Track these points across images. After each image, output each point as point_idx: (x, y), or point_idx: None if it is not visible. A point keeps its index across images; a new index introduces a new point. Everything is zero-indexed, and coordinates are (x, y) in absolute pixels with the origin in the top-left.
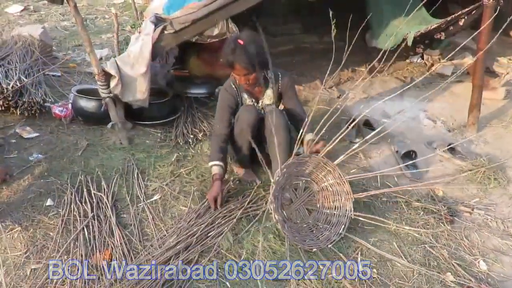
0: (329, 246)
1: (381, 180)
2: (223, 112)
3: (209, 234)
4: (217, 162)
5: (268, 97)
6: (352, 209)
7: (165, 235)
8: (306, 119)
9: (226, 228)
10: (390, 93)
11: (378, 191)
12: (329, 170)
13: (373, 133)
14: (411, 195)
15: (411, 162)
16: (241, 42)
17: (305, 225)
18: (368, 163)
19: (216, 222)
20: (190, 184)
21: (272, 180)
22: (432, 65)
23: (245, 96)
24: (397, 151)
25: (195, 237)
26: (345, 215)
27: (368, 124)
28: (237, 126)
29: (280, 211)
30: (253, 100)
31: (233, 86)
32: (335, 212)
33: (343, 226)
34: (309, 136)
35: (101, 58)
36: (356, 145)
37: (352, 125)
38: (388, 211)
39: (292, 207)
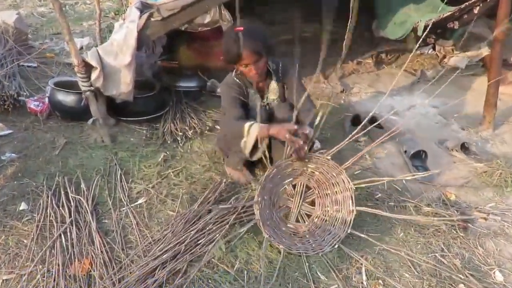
0: (320, 254)
1: (388, 183)
2: (233, 99)
3: (199, 242)
4: (252, 122)
5: (273, 90)
6: (351, 223)
7: (151, 242)
8: (312, 110)
9: (218, 235)
10: (399, 87)
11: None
12: (333, 175)
13: (383, 136)
14: (421, 199)
15: (421, 163)
16: (240, 29)
17: (316, 219)
18: (374, 164)
19: (207, 229)
20: (179, 187)
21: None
22: (445, 57)
23: (251, 91)
24: (405, 151)
25: (183, 245)
26: (343, 228)
27: (374, 122)
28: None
29: (267, 212)
30: (259, 96)
31: (238, 80)
32: (335, 221)
33: (338, 238)
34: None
35: (81, 48)
36: (363, 150)
37: (359, 125)
38: (394, 219)
39: (294, 211)
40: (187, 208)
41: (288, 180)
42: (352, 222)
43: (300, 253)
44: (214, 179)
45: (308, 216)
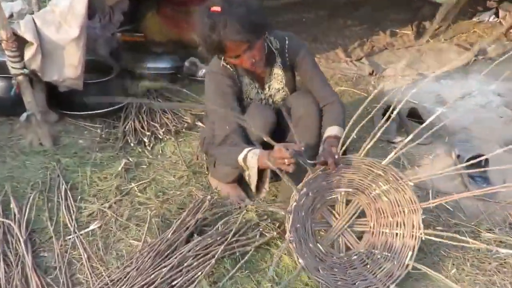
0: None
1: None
2: (225, 100)
3: (174, 283)
4: (250, 148)
5: (277, 78)
6: (422, 225)
7: (107, 284)
8: (339, 104)
9: (200, 273)
10: (449, 68)
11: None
12: (378, 174)
13: (421, 129)
14: (480, 222)
15: (479, 171)
16: (217, 9)
17: (355, 257)
18: (415, 174)
19: (185, 264)
20: (146, 207)
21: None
22: None
23: (247, 80)
24: (458, 156)
25: (152, 287)
26: (413, 235)
27: (415, 116)
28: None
29: (309, 248)
30: (257, 86)
31: (228, 66)
32: (397, 231)
33: (410, 252)
34: (332, 131)
35: (11, 15)
36: (400, 149)
37: (389, 116)
38: (444, 247)
39: (331, 234)
40: (157, 236)
41: (344, 190)
42: (421, 225)
43: None
44: (195, 196)
45: (346, 246)
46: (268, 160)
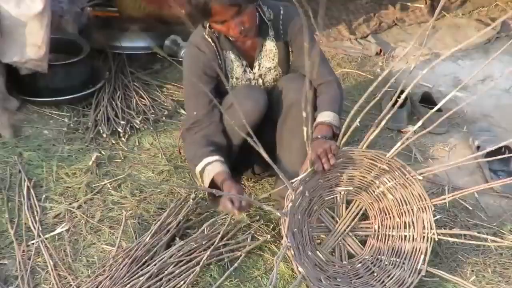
0: None
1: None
2: (199, 89)
3: None
4: (210, 159)
5: (269, 54)
6: (434, 224)
7: None
8: (338, 86)
9: (183, 282)
10: (467, 47)
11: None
12: (383, 168)
13: (435, 116)
14: (503, 222)
15: (502, 165)
16: None
17: (359, 264)
18: (430, 167)
19: (166, 272)
20: (120, 206)
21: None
22: None
23: (232, 56)
24: (478, 147)
25: None
26: (424, 236)
27: (428, 101)
28: (227, 120)
29: (307, 256)
30: (245, 64)
31: (210, 40)
32: (406, 233)
33: (422, 256)
34: (325, 116)
35: None
36: (407, 138)
37: (398, 102)
38: (462, 251)
39: (331, 239)
40: (134, 240)
41: (343, 189)
42: (433, 224)
43: None
44: (177, 194)
45: (349, 253)
46: (221, 187)
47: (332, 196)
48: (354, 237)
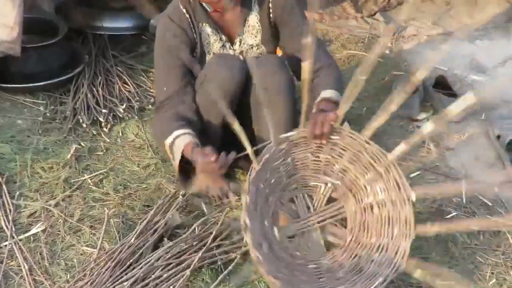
0: None
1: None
2: (169, 64)
3: None
4: (180, 131)
5: (251, 30)
6: (407, 254)
7: None
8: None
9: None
10: (486, 25)
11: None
12: (379, 173)
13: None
14: None
15: None
16: None
17: (312, 265)
18: (444, 159)
19: (153, 277)
20: (102, 204)
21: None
22: None
23: (208, 30)
24: (498, 136)
25: None
26: (391, 265)
27: (444, 85)
28: (202, 96)
29: (269, 238)
30: (224, 39)
31: (184, 11)
32: (375, 257)
33: (393, 269)
34: (327, 94)
35: None
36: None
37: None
38: (481, 251)
39: (295, 226)
40: (118, 241)
41: (332, 181)
42: (407, 254)
43: None
44: (164, 190)
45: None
46: (192, 157)
47: (316, 183)
48: (320, 236)
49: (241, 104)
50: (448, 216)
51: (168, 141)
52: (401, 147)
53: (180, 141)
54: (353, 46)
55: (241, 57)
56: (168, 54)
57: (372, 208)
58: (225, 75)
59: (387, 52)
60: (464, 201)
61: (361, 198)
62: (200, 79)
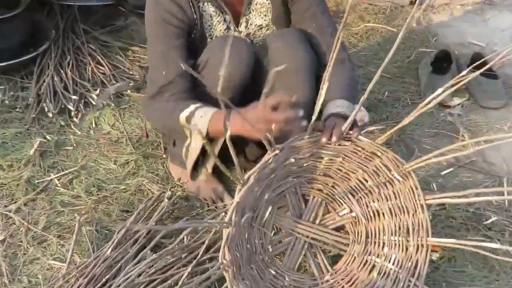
0: None
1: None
2: (165, 42)
3: None
4: (199, 104)
5: (260, 9)
6: (425, 270)
7: None
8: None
9: None
10: None
11: None
12: (392, 182)
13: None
14: None
15: None
16: None
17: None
18: (482, 155)
19: None
20: (72, 209)
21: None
22: None
23: (211, 9)
24: None
25: None
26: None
27: (481, 64)
28: (201, 85)
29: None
30: (228, 19)
31: None
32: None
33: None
34: (338, 107)
35: None
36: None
37: (441, 66)
38: None
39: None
40: (91, 253)
41: (295, 178)
42: (425, 270)
43: None
44: (147, 192)
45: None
46: (235, 120)
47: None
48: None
49: (248, 90)
50: (487, 222)
51: (184, 113)
52: (421, 159)
53: (202, 111)
54: (372, 17)
55: (247, 40)
56: (170, 28)
57: (378, 215)
58: (232, 62)
59: (414, 25)
60: (506, 203)
61: (365, 202)
62: (202, 62)
